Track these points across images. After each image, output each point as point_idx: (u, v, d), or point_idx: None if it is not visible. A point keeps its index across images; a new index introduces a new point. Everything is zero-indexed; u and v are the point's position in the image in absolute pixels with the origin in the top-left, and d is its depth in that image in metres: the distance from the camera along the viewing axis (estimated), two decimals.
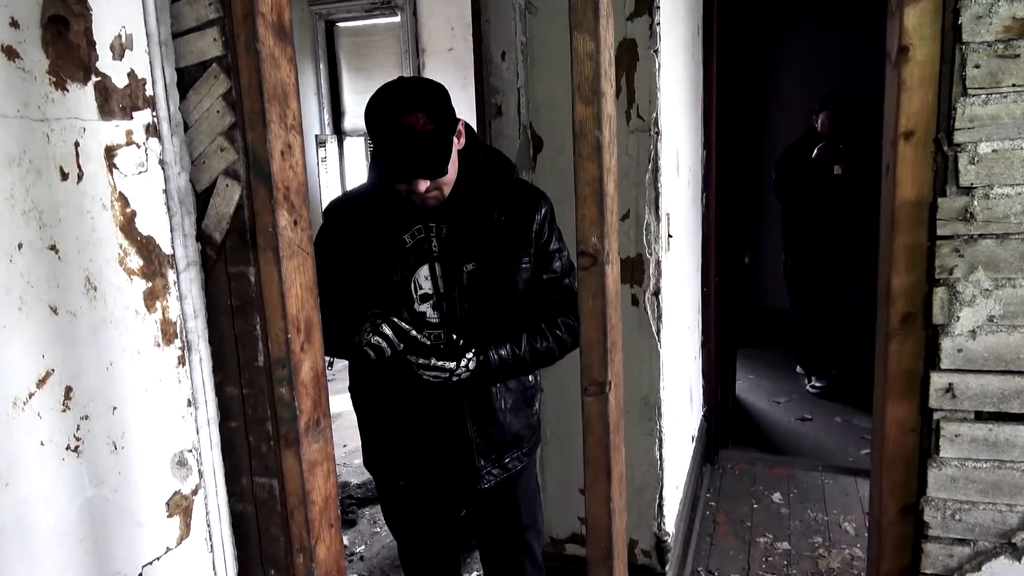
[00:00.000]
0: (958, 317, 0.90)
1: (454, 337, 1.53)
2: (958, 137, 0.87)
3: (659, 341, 2.32)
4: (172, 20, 1.16)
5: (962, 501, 0.94)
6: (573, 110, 0.99)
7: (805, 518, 3.25)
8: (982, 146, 0.87)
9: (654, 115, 2.17)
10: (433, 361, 1.50)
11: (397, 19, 5.99)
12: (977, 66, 0.86)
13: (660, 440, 2.41)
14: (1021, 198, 0.87)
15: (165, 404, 1.17)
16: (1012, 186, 0.87)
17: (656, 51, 2.14)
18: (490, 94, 2.32)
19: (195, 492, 1.24)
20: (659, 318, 2.32)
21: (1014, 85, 0.86)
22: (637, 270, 2.27)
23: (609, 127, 1.01)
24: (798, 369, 4.76)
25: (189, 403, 1.22)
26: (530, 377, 1.73)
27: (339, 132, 5.49)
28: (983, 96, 0.87)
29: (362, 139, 5.49)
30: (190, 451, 1.22)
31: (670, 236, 2.42)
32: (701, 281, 3.45)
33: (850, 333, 4.66)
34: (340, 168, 5.51)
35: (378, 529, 3.25)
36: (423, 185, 1.49)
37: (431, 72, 6.22)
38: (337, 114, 5.50)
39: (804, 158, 4.14)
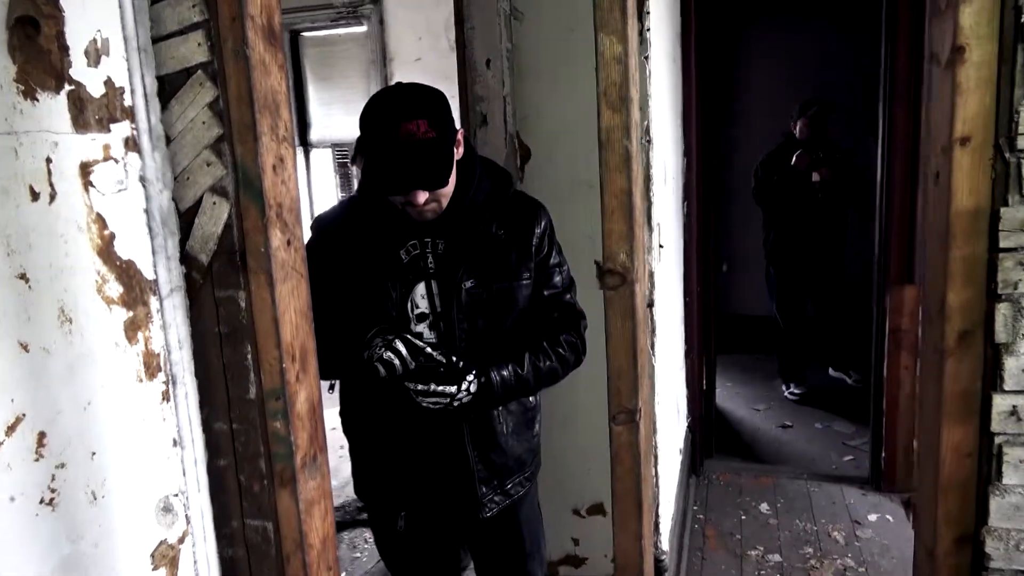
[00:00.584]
0: (1023, 335, 0.85)
1: (454, 359, 1.45)
2: (1022, 143, 0.82)
3: (654, 355, 2.26)
4: (152, 23, 1.06)
5: None
6: (599, 118, 0.91)
7: (794, 528, 3.22)
8: None
9: (646, 123, 2.11)
10: (432, 386, 1.41)
11: (363, 28, 5.87)
12: None
13: (655, 456, 2.35)
14: None
15: (148, 445, 1.06)
16: None
17: (647, 58, 2.09)
18: (475, 102, 2.24)
19: (182, 540, 1.13)
20: (653, 331, 2.26)
21: None
22: None
23: (636, 136, 0.94)
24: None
25: (175, 442, 1.11)
26: (531, 398, 1.65)
27: (306, 144, 5.36)
28: None
29: (329, 151, 5.36)
30: (176, 495, 1.11)
31: (661, 247, 2.37)
32: (683, 290, 3.41)
33: (836, 339, 4.65)
34: (307, 181, 5.37)
35: (359, 555, 3.13)
36: (421, 197, 1.40)
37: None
38: (303, 125, 5.36)
39: (783, 165, 4.14)
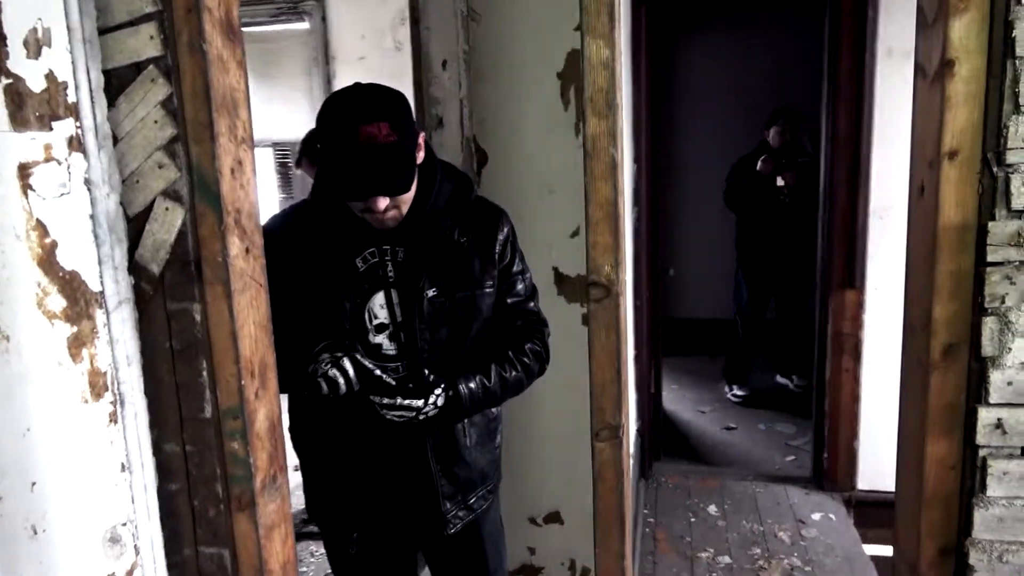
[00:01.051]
0: (1010, 348, 0.85)
1: (425, 372, 1.39)
2: (1010, 157, 0.83)
3: None
4: (98, 13, 0.97)
5: (1010, 542, 0.90)
6: (584, 124, 0.88)
7: (742, 530, 3.26)
8: None
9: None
10: (399, 400, 1.35)
11: (305, 25, 5.72)
12: None
13: None
14: None
15: (94, 471, 0.98)
16: None
17: None
18: (430, 104, 2.18)
19: (131, 572, 1.04)
20: None
21: None
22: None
23: (620, 144, 0.91)
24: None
25: (123, 467, 1.02)
26: (493, 409, 1.61)
27: None
28: None
29: (270, 150, 5.20)
30: (124, 524, 1.03)
31: None
32: (633, 294, 3.42)
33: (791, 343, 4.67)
34: None
35: (304, 569, 3.03)
36: (382, 203, 1.34)
37: (342, 82, 5.99)
38: None
39: (752, 170, 4.21)
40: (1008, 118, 0.82)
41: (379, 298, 1.45)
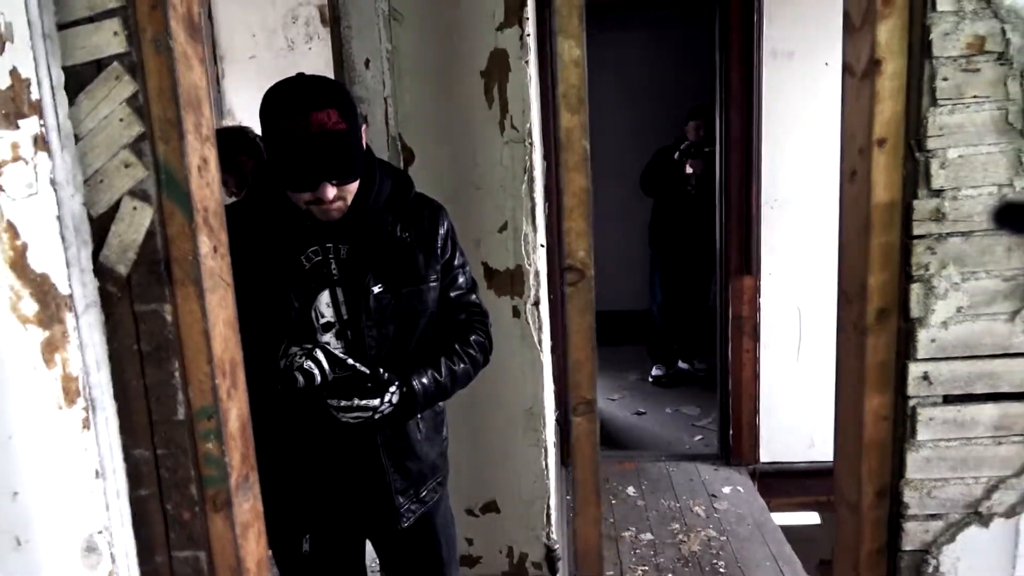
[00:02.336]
0: (933, 310, 0.98)
1: (380, 370, 1.40)
2: (930, 144, 0.95)
3: (541, 351, 2.32)
4: (56, 7, 0.94)
5: (935, 479, 1.03)
6: (557, 118, 0.94)
7: (660, 508, 3.43)
8: (951, 152, 0.96)
9: (527, 126, 2.17)
10: (355, 401, 1.35)
11: None
12: (945, 79, 0.95)
13: (545, 450, 2.42)
14: (982, 198, 0.98)
15: (71, 479, 0.95)
16: (975, 188, 0.97)
17: (527, 62, 2.15)
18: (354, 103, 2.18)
19: None
20: (540, 328, 2.32)
21: (975, 96, 0.96)
22: (517, 281, 2.26)
23: (588, 136, 0.97)
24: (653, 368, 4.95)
25: (97, 474, 1.00)
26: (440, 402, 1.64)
27: None
28: (950, 106, 0.96)
29: None
30: (100, 532, 1.00)
31: (542, 246, 2.44)
32: (548, 290, 3.52)
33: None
34: None
35: None
36: (331, 192, 1.33)
37: (232, 81, 5.79)
38: None
39: (668, 158, 4.41)
40: (927, 110, 0.95)
41: (324, 296, 1.44)
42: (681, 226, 4.52)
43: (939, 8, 0.93)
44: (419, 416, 1.55)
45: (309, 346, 1.37)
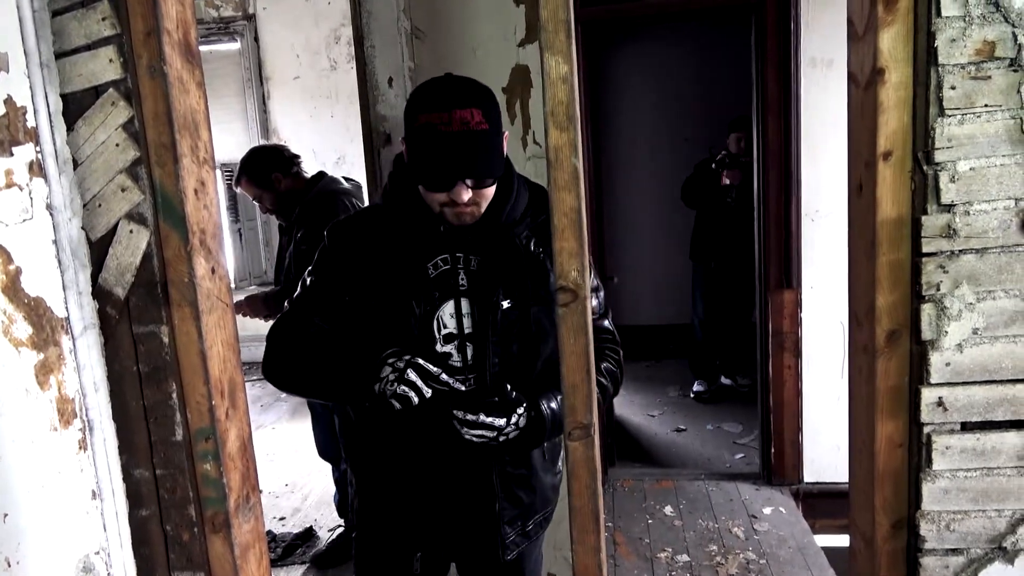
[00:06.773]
0: (946, 332, 0.92)
1: (508, 387, 1.32)
2: (938, 156, 0.90)
3: None
4: (55, 37, 0.97)
5: (955, 511, 0.97)
6: (546, 137, 0.92)
7: (698, 528, 3.34)
8: (961, 164, 0.90)
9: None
10: (481, 417, 1.27)
11: (237, 45, 5.67)
12: (953, 87, 0.89)
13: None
14: (996, 213, 0.92)
15: (66, 500, 0.96)
16: (988, 202, 0.92)
17: None
18: (377, 122, 2.20)
19: None
20: None
21: (986, 105, 0.90)
22: None
23: (581, 154, 0.95)
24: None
25: (94, 494, 1.01)
26: None
27: None
28: (959, 116, 0.90)
29: (219, 171, 5.10)
30: (97, 553, 1.01)
31: None
32: None
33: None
34: None
35: None
36: (466, 194, 1.27)
37: (277, 102, 5.93)
38: None
39: (708, 169, 4.36)
40: (935, 120, 0.90)
41: (449, 307, 1.38)
42: (722, 239, 4.43)
43: (944, 13, 0.88)
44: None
45: (401, 366, 1.29)
